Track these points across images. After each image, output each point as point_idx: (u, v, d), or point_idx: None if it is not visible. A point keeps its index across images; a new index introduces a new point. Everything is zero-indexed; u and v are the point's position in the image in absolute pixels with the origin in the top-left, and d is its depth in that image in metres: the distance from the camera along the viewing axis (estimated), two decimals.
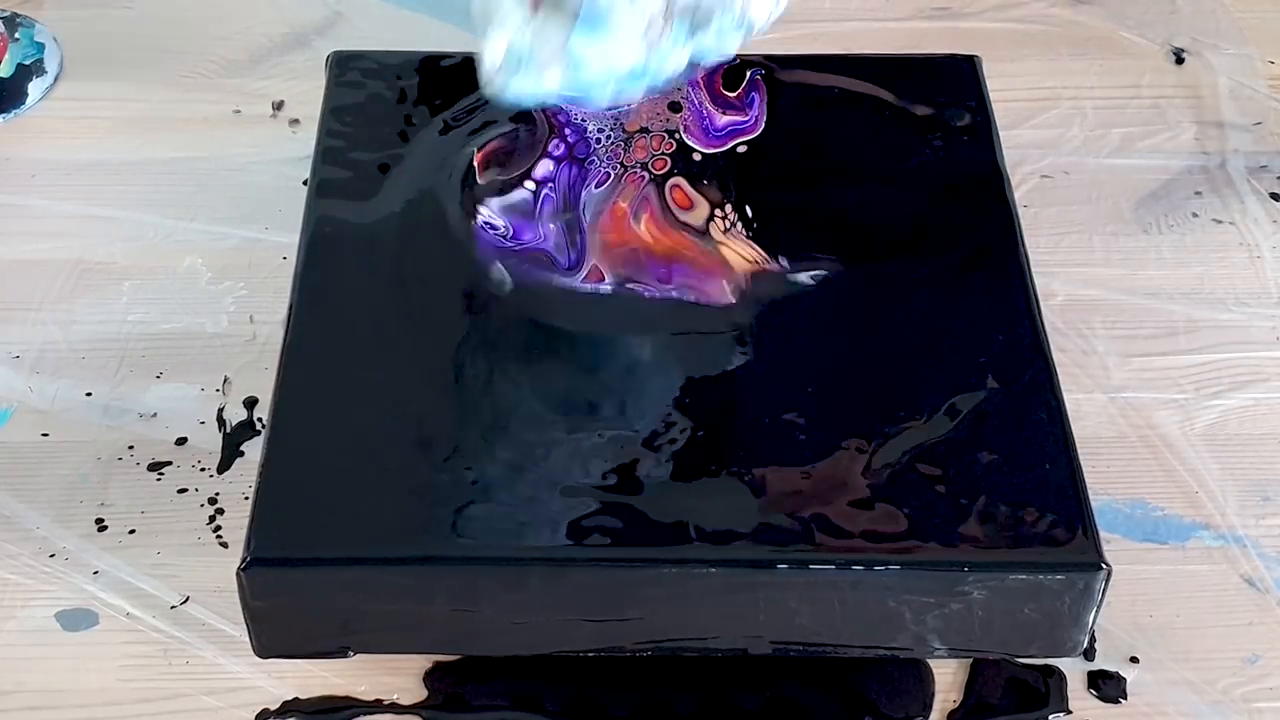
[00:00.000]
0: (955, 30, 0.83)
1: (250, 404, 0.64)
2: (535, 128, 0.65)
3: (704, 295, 0.59)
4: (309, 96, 0.74)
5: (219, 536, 0.60)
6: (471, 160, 0.64)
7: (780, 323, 0.59)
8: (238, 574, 0.52)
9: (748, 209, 0.62)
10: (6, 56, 0.79)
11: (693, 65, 0.56)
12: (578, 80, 0.55)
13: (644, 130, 0.65)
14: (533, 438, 0.54)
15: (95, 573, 0.59)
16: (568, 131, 0.65)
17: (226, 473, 0.62)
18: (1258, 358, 0.67)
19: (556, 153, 0.64)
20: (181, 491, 0.61)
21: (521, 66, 0.55)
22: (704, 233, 0.62)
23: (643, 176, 0.63)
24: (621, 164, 0.64)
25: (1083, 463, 0.55)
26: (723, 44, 0.56)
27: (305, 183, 0.65)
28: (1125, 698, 0.56)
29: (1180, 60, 0.81)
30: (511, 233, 0.61)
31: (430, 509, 0.53)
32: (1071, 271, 0.70)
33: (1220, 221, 0.73)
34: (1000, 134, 0.66)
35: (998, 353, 0.58)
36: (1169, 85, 0.80)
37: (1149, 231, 0.72)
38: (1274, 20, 0.84)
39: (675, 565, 0.52)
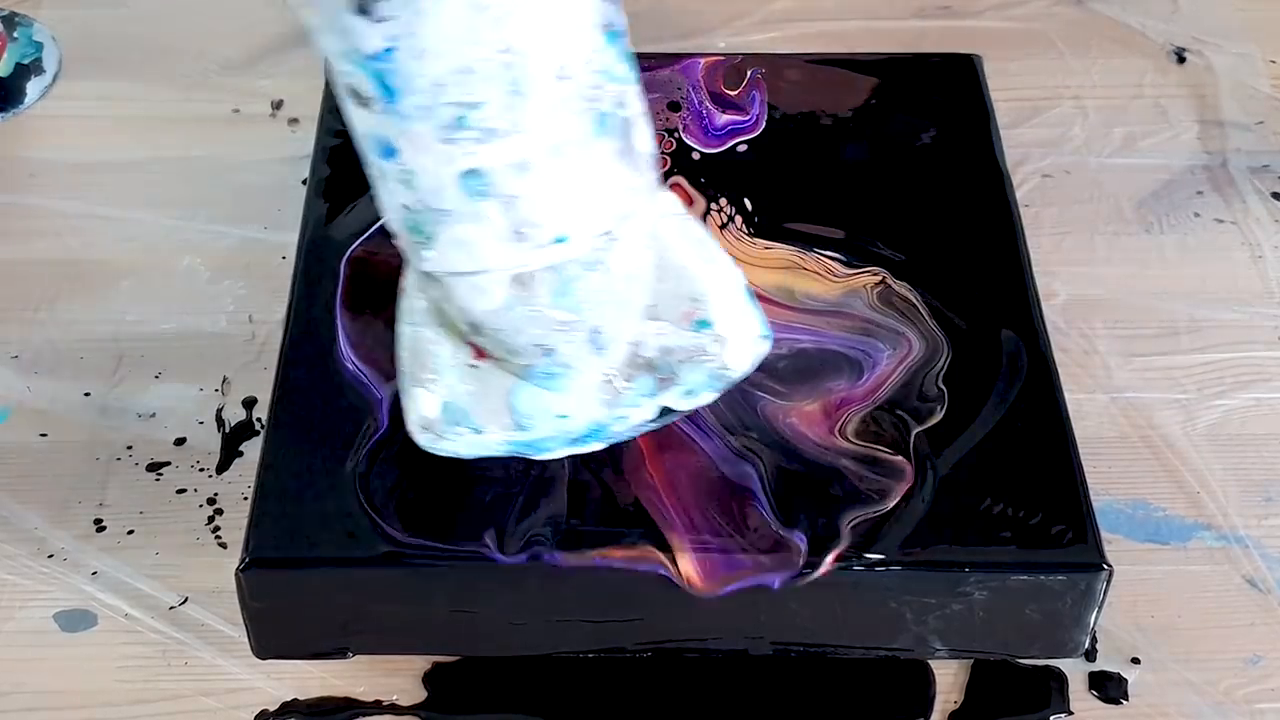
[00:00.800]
0: (955, 30, 0.83)
1: (249, 404, 0.64)
2: None
3: None
4: (308, 96, 0.74)
5: (218, 537, 0.59)
6: None
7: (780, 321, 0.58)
8: (237, 575, 0.52)
9: (748, 205, 0.62)
10: (5, 55, 0.79)
11: (661, 415, 0.51)
12: (524, 438, 0.50)
13: None
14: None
15: (94, 573, 0.58)
16: None
17: (225, 473, 0.61)
18: (1259, 357, 0.67)
19: None
20: (180, 492, 0.61)
21: (458, 423, 0.50)
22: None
23: None
24: None
25: (1084, 463, 0.54)
26: (694, 397, 0.51)
27: (304, 182, 0.65)
28: (1127, 699, 0.56)
29: (1182, 60, 0.81)
30: None
31: (430, 509, 0.52)
32: (1073, 271, 0.70)
33: (1222, 221, 0.73)
34: (1000, 134, 0.66)
35: (999, 353, 0.57)
36: (1171, 85, 0.80)
37: (1150, 231, 0.72)
38: (1275, 20, 0.84)
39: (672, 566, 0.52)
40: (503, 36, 0.43)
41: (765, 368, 0.56)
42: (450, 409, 0.50)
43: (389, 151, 0.45)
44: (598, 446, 0.51)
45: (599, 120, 0.46)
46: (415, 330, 0.51)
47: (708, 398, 0.51)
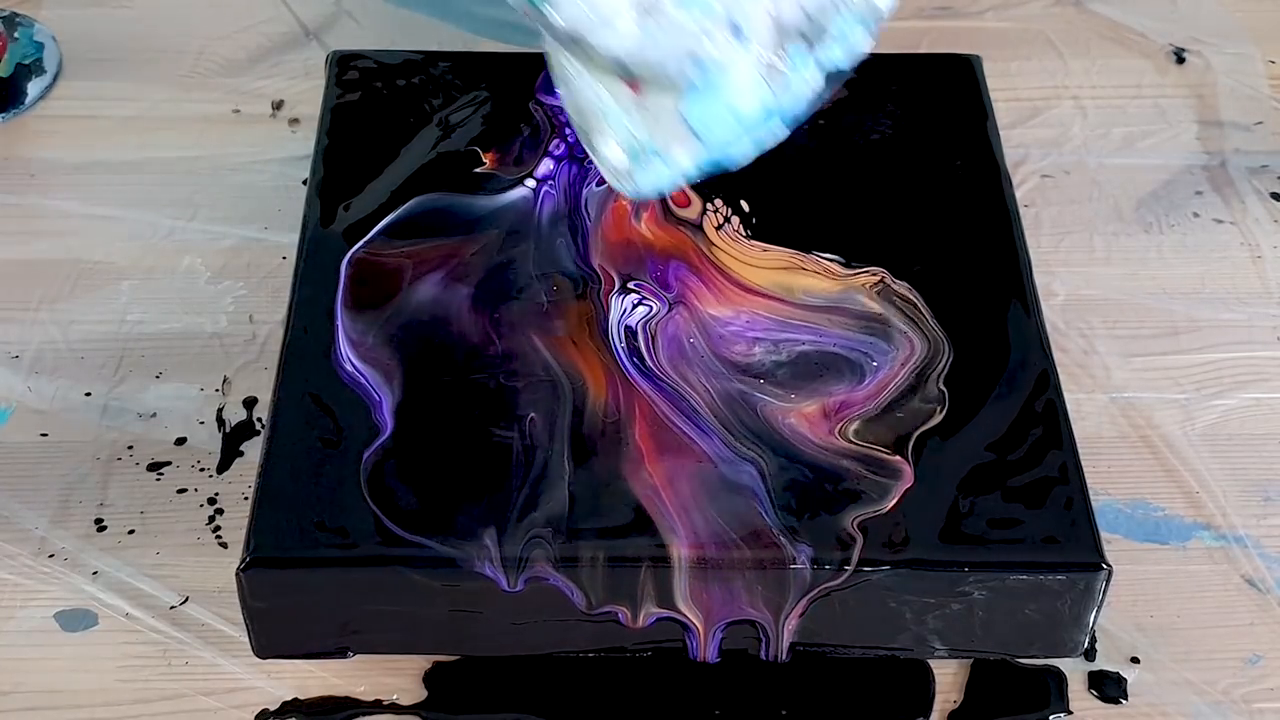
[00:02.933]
0: (955, 30, 0.83)
1: (250, 404, 0.64)
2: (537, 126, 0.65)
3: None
4: (309, 96, 0.74)
5: (218, 537, 0.59)
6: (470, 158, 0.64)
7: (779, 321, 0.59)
8: (237, 574, 0.52)
9: (745, 207, 0.62)
10: (5, 56, 0.79)
11: (830, 77, 0.51)
12: (710, 147, 0.51)
13: None
14: (533, 437, 0.54)
15: (94, 573, 0.58)
16: (568, 131, 0.65)
17: (226, 473, 0.61)
18: (1259, 357, 0.67)
19: (557, 152, 0.64)
20: (181, 492, 0.61)
21: (645, 157, 0.51)
22: (699, 228, 0.61)
23: None
24: None
25: (1083, 463, 0.55)
26: (851, 45, 0.51)
27: (305, 182, 0.65)
28: (1126, 698, 0.56)
29: (1181, 60, 0.81)
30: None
31: (431, 509, 0.52)
32: (1072, 271, 0.70)
33: (1221, 221, 0.73)
34: (1000, 134, 0.66)
35: (998, 353, 0.57)
36: (1170, 85, 0.80)
37: (1150, 231, 0.72)
38: (1274, 20, 0.84)
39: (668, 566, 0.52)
40: None
41: (764, 371, 0.56)
42: (632, 148, 0.51)
43: None
44: (784, 132, 0.52)
45: None
46: (573, 91, 0.52)
47: (865, 42, 0.51)
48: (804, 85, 0.50)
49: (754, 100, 0.50)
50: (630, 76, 0.50)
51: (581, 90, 0.51)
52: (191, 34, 0.81)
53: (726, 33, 0.48)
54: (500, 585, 0.51)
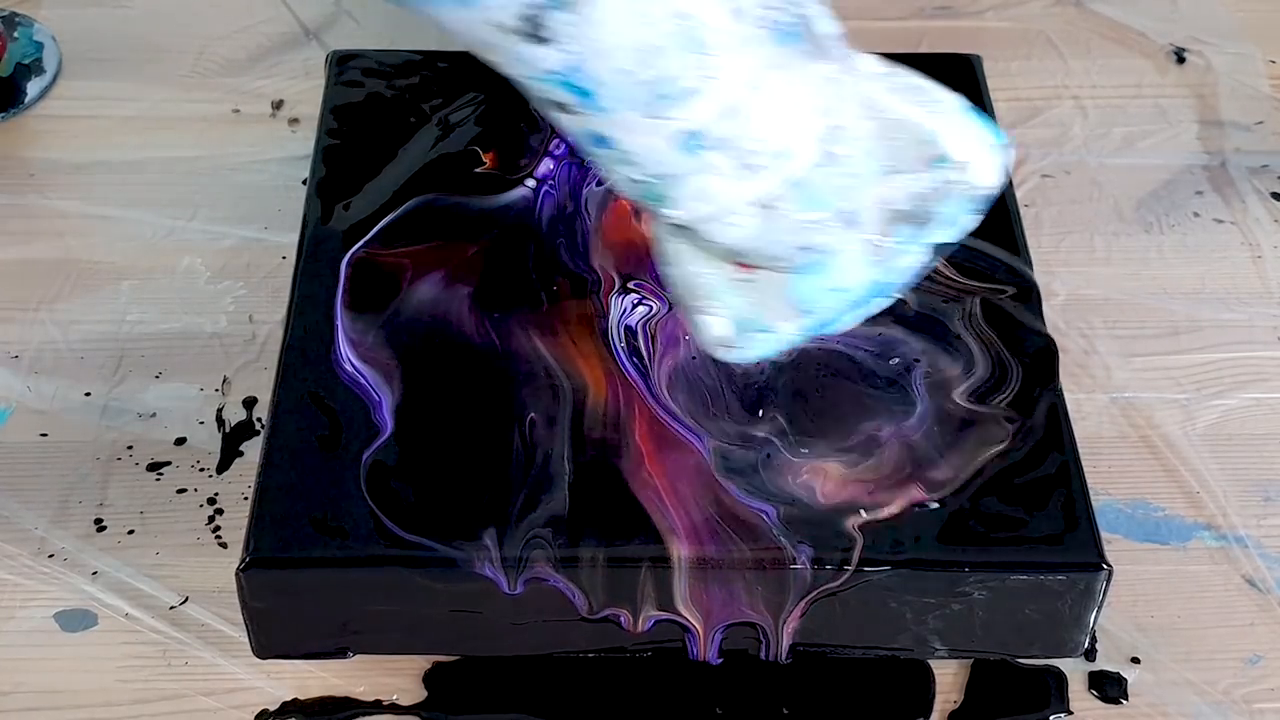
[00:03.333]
0: (955, 30, 0.83)
1: (249, 404, 0.64)
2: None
3: None
4: (308, 96, 0.74)
5: (218, 537, 0.59)
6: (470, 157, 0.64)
7: None
8: (237, 574, 0.52)
9: None
10: (5, 56, 0.79)
11: (936, 250, 0.51)
12: (817, 320, 0.52)
13: None
14: (533, 437, 0.54)
15: (94, 573, 0.58)
16: None
17: (225, 473, 0.61)
18: (1259, 357, 0.67)
19: (558, 151, 0.64)
20: (181, 492, 0.61)
21: (751, 331, 0.52)
22: None
23: None
24: None
25: (1084, 463, 0.54)
26: (958, 226, 0.51)
27: (305, 182, 0.65)
28: (1126, 698, 0.56)
29: (1181, 60, 0.81)
30: None
31: (430, 509, 0.52)
32: (1073, 271, 0.70)
33: (1221, 221, 0.73)
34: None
35: (998, 352, 0.57)
36: (1170, 84, 0.80)
37: (1150, 231, 0.72)
38: (1274, 19, 0.84)
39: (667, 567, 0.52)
40: (671, 5, 0.44)
41: (766, 384, 0.56)
42: (740, 322, 0.52)
43: (601, 141, 0.47)
44: (886, 302, 0.53)
45: (780, 36, 0.46)
46: (680, 270, 0.53)
47: (972, 221, 0.51)
48: (908, 260, 0.51)
49: (861, 278, 0.51)
50: (742, 260, 0.51)
51: (689, 270, 0.52)
52: (191, 34, 0.81)
53: (839, 224, 0.49)
54: (501, 588, 0.51)
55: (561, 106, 0.46)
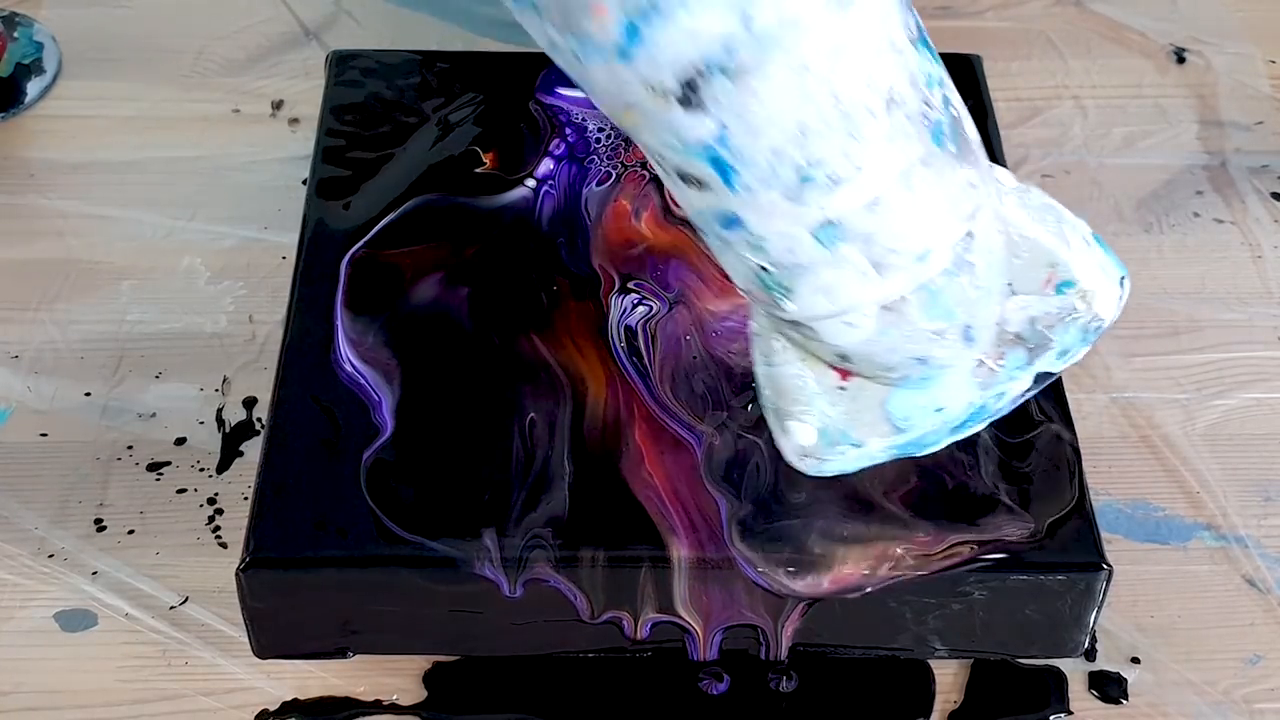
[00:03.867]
0: (955, 30, 0.83)
1: (249, 404, 0.64)
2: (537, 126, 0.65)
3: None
4: (309, 96, 0.74)
5: (218, 537, 0.59)
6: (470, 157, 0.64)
7: None
8: (237, 574, 0.52)
9: None
10: (5, 55, 0.79)
11: (1040, 380, 0.50)
12: (905, 435, 0.50)
13: None
14: (533, 437, 0.54)
15: (94, 573, 0.58)
16: (568, 131, 0.65)
17: (226, 473, 0.61)
18: (1259, 357, 0.67)
19: (558, 151, 0.64)
20: (180, 492, 0.61)
21: (837, 443, 0.50)
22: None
23: (643, 176, 0.63)
24: (622, 163, 0.64)
25: (1084, 463, 0.54)
26: (1070, 355, 0.49)
27: (305, 182, 0.65)
28: (1126, 698, 0.56)
29: (1181, 60, 0.81)
30: None
31: (431, 509, 0.52)
32: None
33: (1222, 221, 0.73)
34: (1001, 134, 0.66)
35: None
36: (1170, 84, 0.80)
37: (1150, 231, 0.72)
38: (1275, 20, 0.84)
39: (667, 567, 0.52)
40: (832, 87, 0.42)
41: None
42: (827, 433, 0.50)
43: (731, 223, 0.45)
44: (980, 428, 0.51)
45: (935, 133, 0.44)
46: (774, 370, 0.51)
47: (1082, 353, 0.50)
48: (1013, 387, 0.50)
49: (963, 401, 0.49)
50: (848, 367, 0.49)
51: (785, 371, 0.50)
52: (191, 34, 0.81)
53: (958, 338, 0.47)
54: (502, 590, 0.51)
55: (696, 182, 0.44)
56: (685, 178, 0.44)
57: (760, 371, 0.52)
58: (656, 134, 0.43)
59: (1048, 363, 0.49)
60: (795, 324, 0.47)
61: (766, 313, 0.49)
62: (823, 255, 0.44)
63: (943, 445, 0.51)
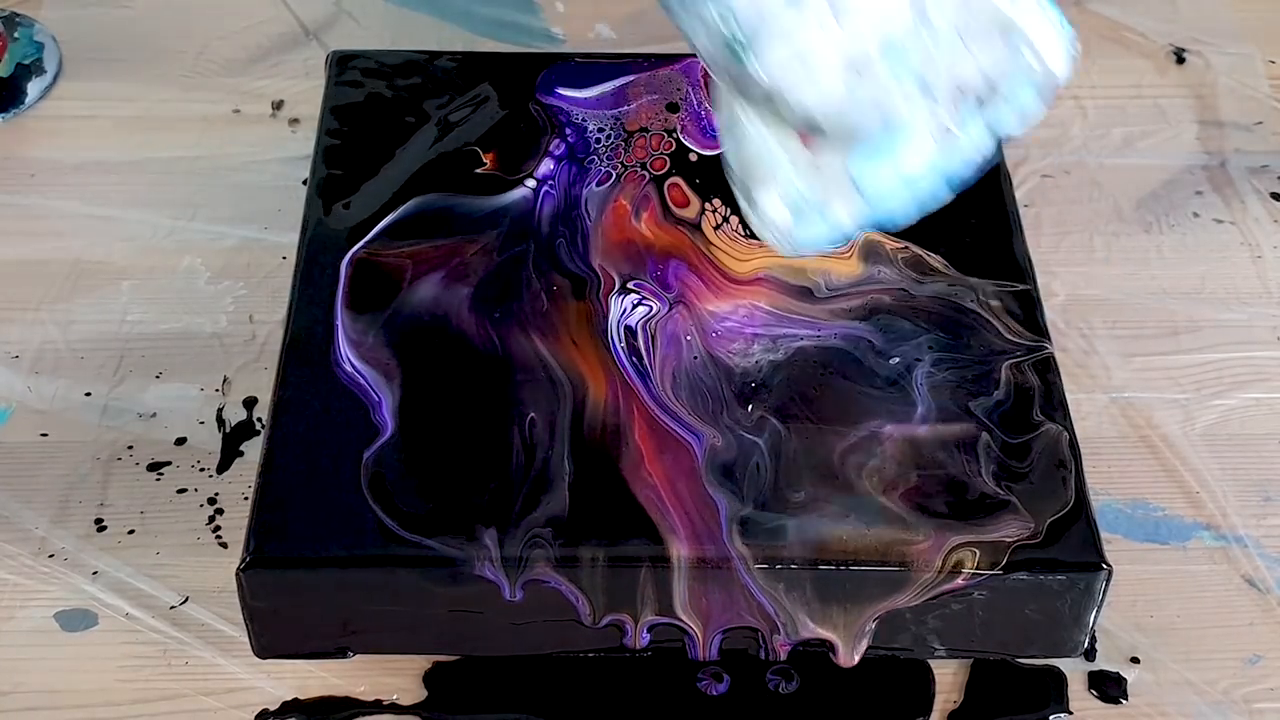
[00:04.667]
0: None
1: (250, 404, 0.64)
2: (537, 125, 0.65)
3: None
4: (309, 96, 0.74)
5: (218, 537, 0.59)
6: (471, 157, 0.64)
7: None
8: (237, 574, 0.52)
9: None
10: (5, 56, 0.79)
11: (997, 139, 0.51)
12: (872, 204, 0.51)
13: (643, 130, 0.65)
14: (533, 437, 0.54)
15: (94, 573, 0.58)
16: (568, 131, 0.65)
17: (226, 473, 0.61)
18: (1259, 357, 0.67)
19: (558, 151, 0.64)
20: (181, 492, 0.61)
21: (807, 212, 0.51)
22: (697, 227, 0.62)
23: (643, 176, 0.64)
24: (622, 163, 0.64)
25: (1084, 462, 0.54)
26: (1023, 109, 0.50)
27: (305, 182, 0.65)
28: (1126, 698, 0.56)
29: (1181, 60, 0.81)
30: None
31: (431, 509, 0.52)
32: (1072, 271, 0.70)
33: (1221, 221, 0.73)
34: None
35: (998, 353, 0.57)
36: (1170, 85, 0.80)
37: (1150, 231, 0.72)
38: (1274, 20, 0.84)
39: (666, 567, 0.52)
40: None
41: (762, 380, 0.56)
42: (797, 205, 0.51)
43: None
44: (947, 194, 0.51)
45: None
46: (740, 143, 0.51)
47: (1038, 108, 0.51)
48: (971, 147, 0.50)
49: (922, 159, 0.50)
50: (812, 131, 0.50)
51: (752, 142, 0.51)
52: (192, 34, 0.81)
53: (917, 91, 0.48)
54: (503, 593, 0.51)
55: None
56: None
57: (727, 150, 0.53)
58: None
59: (1002, 118, 0.50)
60: (765, 93, 0.48)
61: (736, 88, 0.49)
62: (790, 14, 0.46)
63: (911, 215, 0.52)
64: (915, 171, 0.50)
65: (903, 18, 0.46)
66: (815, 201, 0.51)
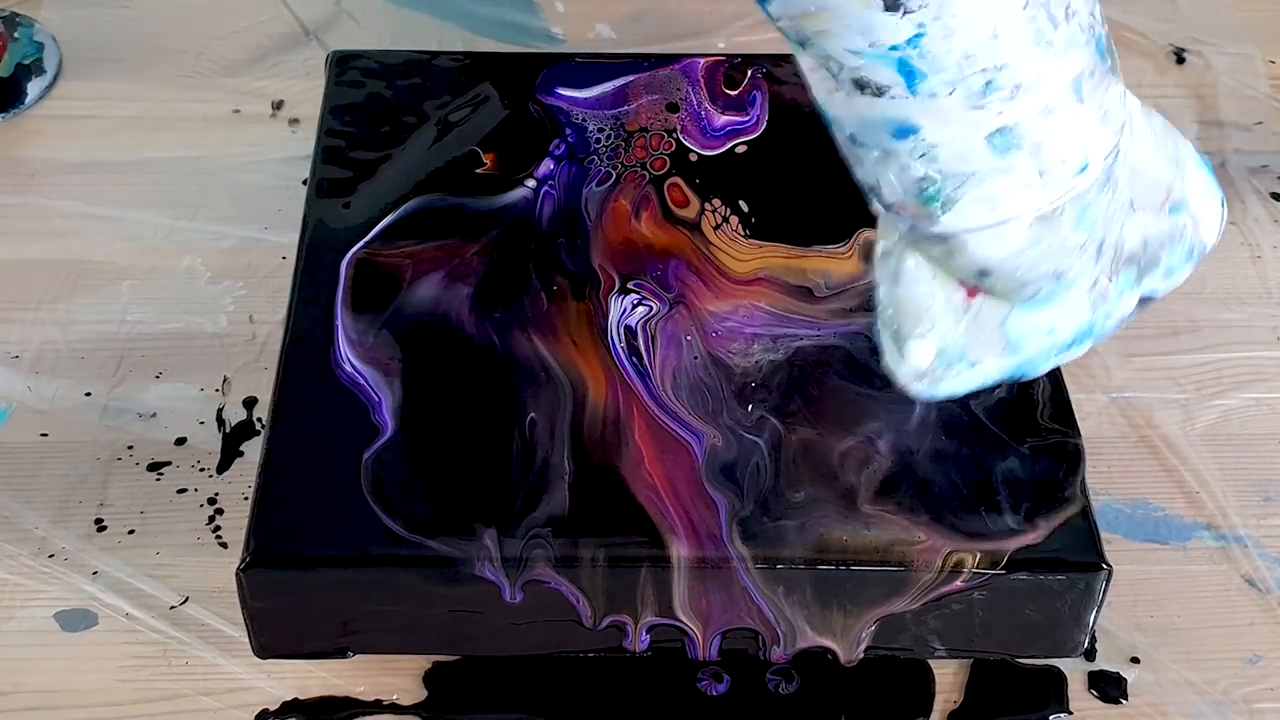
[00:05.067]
0: None
1: (250, 404, 0.64)
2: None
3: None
4: (309, 96, 0.74)
5: (218, 537, 0.59)
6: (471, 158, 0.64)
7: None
8: (237, 574, 0.52)
9: (744, 207, 0.62)
10: (5, 56, 0.79)
11: (1142, 303, 0.51)
12: (1020, 361, 0.50)
13: (643, 130, 0.65)
14: (533, 437, 0.54)
15: (94, 573, 0.58)
16: (568, 131, 0.65)
17: (226, 473, 0.61)
18: (1259, 357, 0.67)
19: (558, 152, 0.64)
20: (181, 492, 0.61)
21: (953, 363, 0.50)
22: (697, 227, 0.62)
23: (643, 176, 0.64)
24: (622, 164, 0.64)
25: (1084, 462, 0.54)
26: (1175, 277, 0.51)
27: (305, 182, 0.65)
28: (1126, 698, 0.56)
29: (1181, 60, 0.81)
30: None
31: (431, 509, 0.52)
32: None
33: None
34: None
35: None
36: (1170, 85, 0.80)
37: None
38: (1274, 20, 0.84)
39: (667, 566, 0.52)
40: None
41: (762, 379, 0.56)
42: (945, 353, 0.50)
43: (905, 132, 0.45)
44: (1083, 350, 0.51)
45: (1099, 44, 0.45)
46: (902, 290, 0.50)
47: (1185, 275, 0.51)
48: (1120, 308, 0.50)
49: (1075, 321, 0.50)
50: (981, 282, 0.48)
51: (914, 290, 0.50)
52: (191, 34, 0.81)
53: (1095, 252, 0.48)
54: (503, 595, 0.51)
55: (875, 89, 0.44)
56: (863, 85, 0.44)
57: (883, 292, 0.51)
58: (845, 37, 0.43)
59: (1154, 283, 0.50)
60: (942, 238, 0.47)
61: (910, 228, 0.48)
62: (994, 163, 0.45)
63: (1048, 367, 0.51)
64: (1064, 330, 0.50)
65: (1095, 176, 0.46)
66: (967, 354, 0.50)
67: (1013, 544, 0.52)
